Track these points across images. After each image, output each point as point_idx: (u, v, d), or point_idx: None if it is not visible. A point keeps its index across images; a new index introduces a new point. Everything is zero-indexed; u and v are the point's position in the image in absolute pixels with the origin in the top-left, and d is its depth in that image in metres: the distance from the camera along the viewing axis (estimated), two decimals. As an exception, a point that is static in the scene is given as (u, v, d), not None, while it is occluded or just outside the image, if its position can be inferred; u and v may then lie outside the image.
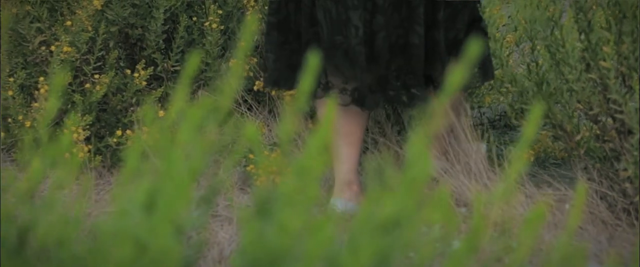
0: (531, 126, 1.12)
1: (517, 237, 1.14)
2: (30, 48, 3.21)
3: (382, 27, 2.76)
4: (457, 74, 1.04)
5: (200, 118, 0.97)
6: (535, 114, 1.11)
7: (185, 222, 0.92)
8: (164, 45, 3.39)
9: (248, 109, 3.45)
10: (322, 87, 2.85)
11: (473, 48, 1.00)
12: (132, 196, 0.94)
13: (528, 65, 2.86)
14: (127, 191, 0.95)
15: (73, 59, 3.17)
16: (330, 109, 1.08)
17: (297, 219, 1.00)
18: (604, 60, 2.58)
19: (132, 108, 3.26)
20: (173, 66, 3.39)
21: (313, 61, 1.04)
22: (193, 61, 1.02)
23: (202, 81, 3.45)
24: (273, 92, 3.37)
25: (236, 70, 1.02)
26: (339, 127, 2.88)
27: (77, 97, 3.14)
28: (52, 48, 3.13)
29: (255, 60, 3.47)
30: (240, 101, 3.43)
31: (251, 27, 1.08)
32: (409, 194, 1.03)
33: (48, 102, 0.98)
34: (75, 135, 2.91)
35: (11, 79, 3.05)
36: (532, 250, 1.12)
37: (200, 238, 0.95)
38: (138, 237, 0.86)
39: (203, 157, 0.98)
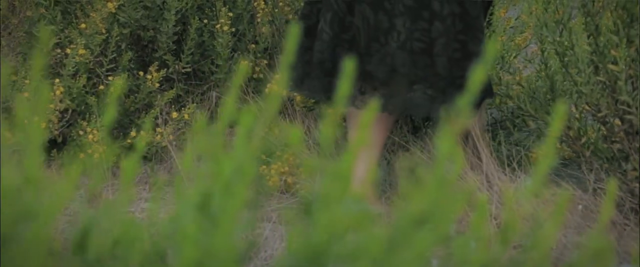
0: (556, 124, 1.16)
1: (529, 235, 1.18)
2: (44, 50, 3.25)
3: (441, 33, 2.79)
4: (479, 74, 1.08)
5: (251, 124, 1.01)
6: (560, 112, 1.15)
7: (239, 224, 0.97)
8: (174, 47, 3.43)
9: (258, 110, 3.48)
10: (357, 93, 2.87)
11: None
12: (187, 198, 0.98)
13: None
14: (181, 194, 1.00)
15: (87, 61, 3.21)
16: (369, 112, 1.12)
17: (341, 219, 1.04)
18: (613, 63, 2.62)
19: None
20: (184, 68, 3.43)
21: (349, 67, 1.08)
22: (242, 69, 1.07)
23: (212, 82, 3.49)
24: (284, 94, 3.41)
25: (282, 79, 1.06)
26: None
27: (91, 99, 3.18)
28: (68, 51, 3.17)
29: (265, 62, 3.51)
30: (251, 102, 3.46)
31: (294, 35, 1.12)
32: (440, 191, 1.07)
33: (105, 113, 1.02)
34: (90, 136, 2.95)
35: (27, 81, 3.08)
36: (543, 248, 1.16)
37: (251, 239, 1.00)
38: (197, 238, 0.91)
39: (253, 161, 1.02)
